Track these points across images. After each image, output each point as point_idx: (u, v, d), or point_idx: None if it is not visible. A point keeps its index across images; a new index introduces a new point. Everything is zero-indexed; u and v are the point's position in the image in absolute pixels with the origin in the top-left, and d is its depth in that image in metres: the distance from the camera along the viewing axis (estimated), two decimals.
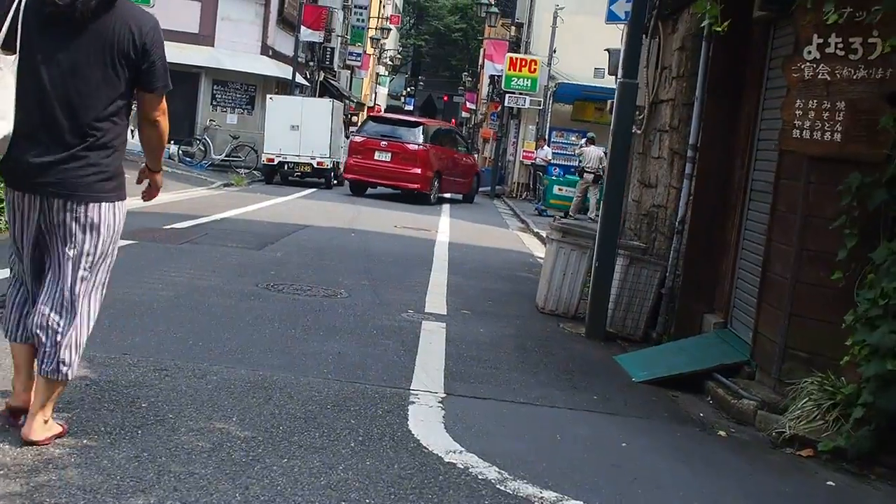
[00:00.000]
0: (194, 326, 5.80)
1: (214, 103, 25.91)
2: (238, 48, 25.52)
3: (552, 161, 25.73)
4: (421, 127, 21.88)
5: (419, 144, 20.97)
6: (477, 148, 45.29)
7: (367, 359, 5.52)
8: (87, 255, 3.50)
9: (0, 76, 3.37)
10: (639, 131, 9.39)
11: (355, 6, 38.21)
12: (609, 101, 27.32)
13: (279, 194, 19.00)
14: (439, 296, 8.25)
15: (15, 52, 3.39)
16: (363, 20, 39.00)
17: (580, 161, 20.83)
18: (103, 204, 3.50)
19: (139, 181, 3.88)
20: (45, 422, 3.49)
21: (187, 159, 23.96)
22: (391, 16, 52.76)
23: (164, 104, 3.63)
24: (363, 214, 16.38)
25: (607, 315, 7.32)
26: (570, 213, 21.10)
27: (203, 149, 24.55)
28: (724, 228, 6.95)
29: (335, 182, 23.66)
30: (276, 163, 22.27)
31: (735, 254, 6.76)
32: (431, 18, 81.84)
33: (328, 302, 7.26)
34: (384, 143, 20.72)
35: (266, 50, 26.65)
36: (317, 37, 27.68)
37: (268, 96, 22.97)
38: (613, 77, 11.60)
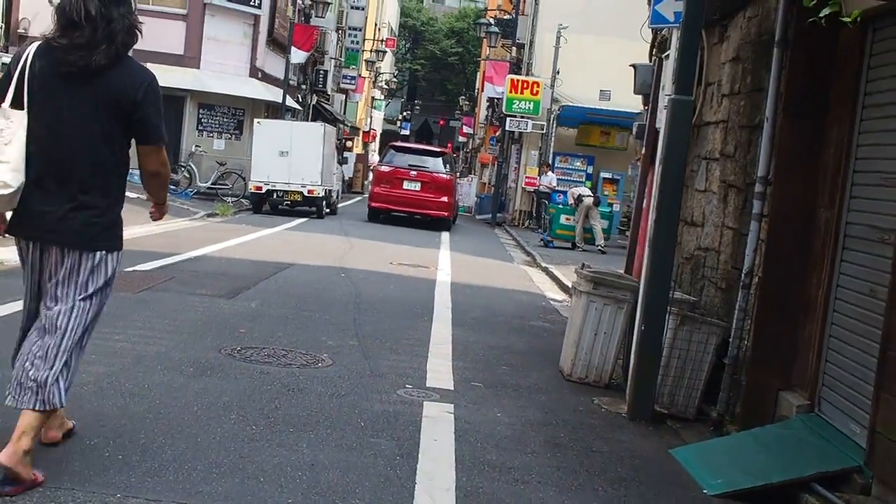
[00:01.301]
0: (118, 425, 4.32)
1: (200, 128, 24.50)
2: (225, 70, 24.15)
3: (556, 188, 24.33)
4: (445, 156, 23.43)
5: (447, 174, 22.35)
6: (474, 173, 43.96)
7: (350, 473, 4.03)
8: (80, 300, 3.63)
9: (12, 131, 3.53)
10: None
11: (349, 28, 36.97)
12: (621, 127, 26.24)
13: (266, 226, 17.55)
14: (444, 360, 6.77)
15: (23, 108, 3.56)
16: (357, 42, 37.75)
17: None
18: (97, 253, 3.64)
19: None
20: (26, 453, 3.46)
21: (171, 187, 22.34)
22: (386, 39, 51.57)
23: (163, 156, 3.79)
24: (355, 249, 14.92)
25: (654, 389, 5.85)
26: (577, 242, 19.79)
27: (188, 176, 23.12)
28: (805, 283, 5.50)
29: (327, 211, 22.22)
30: (264, 191, 20.83)
31: (823, 316, 5.30)
32: (427, 42, 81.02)
33: (305, 375, 5.77)
34: (414, 172, 21.67)
35: (255, 72, 25.29)
36: (302, 57, 26.31)
37: (255, 120, 21.56)
38: (641, 98, 10.19)
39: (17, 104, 3.57)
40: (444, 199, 21.67)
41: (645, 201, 9.66)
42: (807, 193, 5.53)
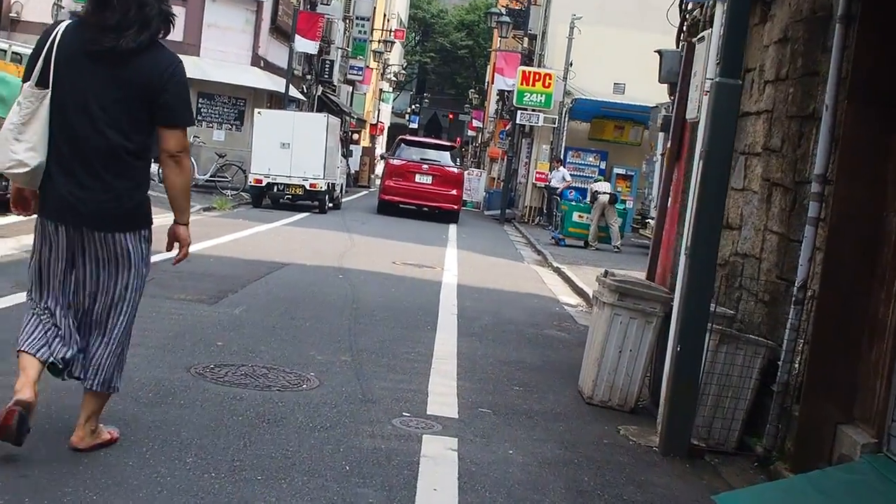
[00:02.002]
0: (37, 476, 3.52)
1: (199, 118, 23.69)
2: (226, 58, 23.37)
3: (571, 183, 23.50)
4: (453, 150, 24.33)
5: (457, 168, 23.35)
6: (483, 168, 43.14)
7: None
8: (119, 283, 3.72)
9: (34, 110, 3.56)
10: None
11: (357, 17, 36.11)
12: (634, 121, 25.38)
13: (265, 221, 16.76)
14: (448, 379, 5.97)
15: (47, 88, 3.56)
16: (365, 32, 36.89)
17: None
18: (129, 234, 3.70)
19: (168, 247, 3.95)
20: (93, 431, 3.75)
21: None
22: (395, 30, 50.71)
23: (184, 140, 3.76)
24: (357, 246, 14.13)
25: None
26: (590, 241, 18.98)
27: None
28: (871, 299, 4.68)
29: (331, 206, 21.44)
30: (264, 184, 20.03)
31: (893, 338, 4.49)
32: (437, 35, 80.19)
33: (286, 401, 4.98)
34: (426, 166, 22.26)
35: (257, 61, 24.50)
36: (312, 47, 25.50)
37: (255, 110, 20.76)
38: (666, 87, 9.36)
39: (42, 83, 3.56)
40: (454, 192, 22.41)
41: (670, 201, 8.85)
42: (874, 194, 4.70)
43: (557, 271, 14.46)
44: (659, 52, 9.08)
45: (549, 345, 7.93)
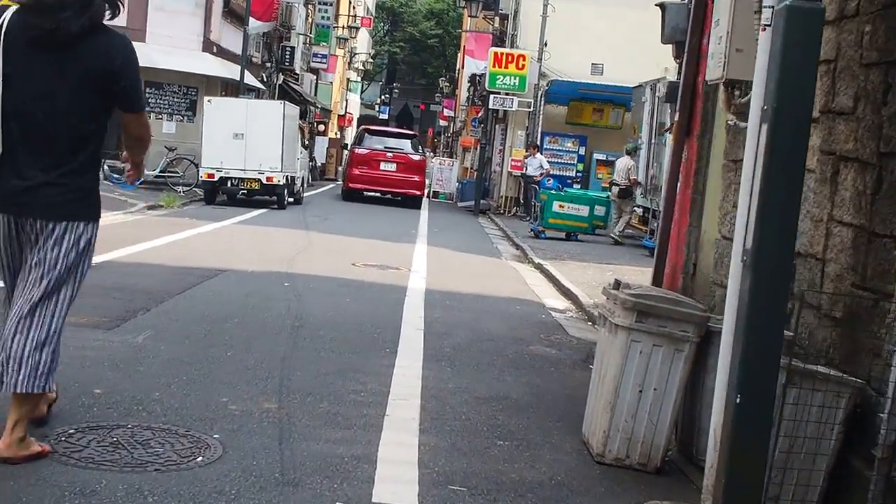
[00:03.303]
0: None
1: (147, 109, 21.67)
2: (175, 44, 21.54)
3: (550, 171, 22.00)
4: (416, 138, 25.49)
5: (419, 154, 24.14)
6: (456, 157, 41.53)
7: None
8: (57, 271, 3.56)
9: None
10: (739, 123, 5.59)
11: (320, 2, 34.32)
12: (622, 103, 23.82)
13: (214, 219, 15.08)
14: (406, 433, 4.39)
15: None
16: (328, 18, 35.11)
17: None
18: (76, 223, 3.59)
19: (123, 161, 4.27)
20: (22, 439, 3.49)
21: (115, 176, 19.85)
22: (362, 18, 48.89)
23: (145, 120, 3.87)
24: (314, 246, 12.50)
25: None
26: (614, 234, 17.57)
27: None
28: None
29: (290, 201, 19.76)
30: (216, 179, 18.31)
31: None
32: (406, 24, 78.55)
33: (159, 493, 3.37)
34: (389, 154, 22.97)
35: (209, 46, 22.70)
36: (267, 27, 23.73)
37: (206, 99, 19.01)
38: (670, 48, 7.79)
39: None
40: (417, 178, 23.31)
41: (679, 185, 7.32)
42: None
43: (539, 268, 12.92)
44: (661, 5, 7.52)
45: (538, 368, 6.37)
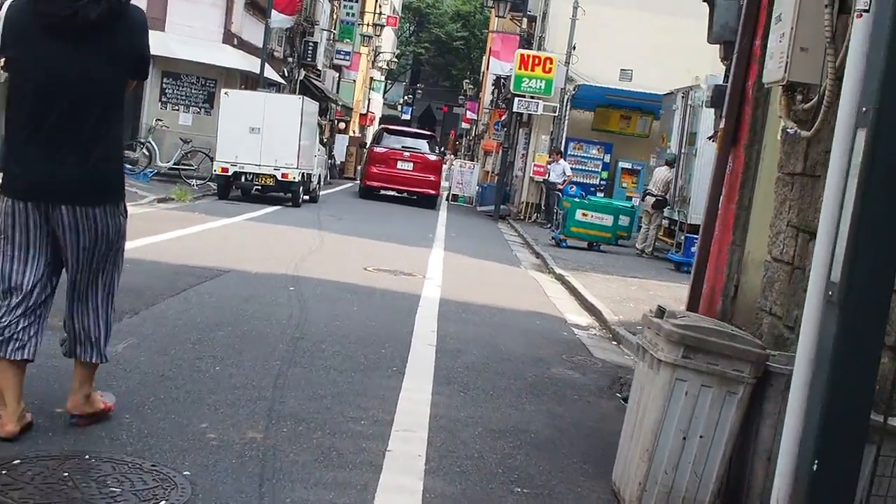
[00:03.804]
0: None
1: (164, 100, 21.45)
2: (195, 35, 21.10)
3: (573, 178, 21.36)
4: (433, 139, 25.63)
5: (436, 155, 24.50)
6: (477, 160, 40.93)
7: None
8: (100, 255, 3.65)
9: None
10: (799, 132, 4.96)
11: None
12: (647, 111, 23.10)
13: (226, 214, 14.56)
14: (409, 475, 3.79)
15: None
16: (353, 15, 34.60)
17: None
18: (107, 206, 3.61)
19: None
20: (87, 396, 3.78)
21: (128, 167, 19.45)
22: (388, 17, 48.41)
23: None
24: (325, 247, 11.93)
25: None
26: (637, 246, 16.97)
27: (147, 154, 20.13)
28: None
29: (306, 199, 19.23)
30: (230, 173, 17.81)
31: None
32: (432, 26, 78.12)
33: None
34: (407, 153, 23.36)
35: (230, 38, 22.23)
36: (289, 21, 23.22)
37: (222, 91, 18.50)
38: (718, 50, 7.13)
39: None
40: (433, 178, 23.60)
41: (722, 199, 6.69)
42: None
43: (560, 279, 12.29)
44: (709, 1, 6.88)
45: (560, 394, 5.75)
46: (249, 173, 17.80)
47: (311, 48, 28.82)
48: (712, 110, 15.66)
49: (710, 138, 7.55)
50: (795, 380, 3.02)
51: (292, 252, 10.79)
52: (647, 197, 17.14)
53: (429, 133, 27.88)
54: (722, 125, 6.57)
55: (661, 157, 19.38)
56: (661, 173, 16.84)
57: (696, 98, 16.32)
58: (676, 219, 16.39)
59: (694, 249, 14.82)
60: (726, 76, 6.82)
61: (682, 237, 15.21)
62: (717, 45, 6.99)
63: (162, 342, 5.48)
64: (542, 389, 5.81)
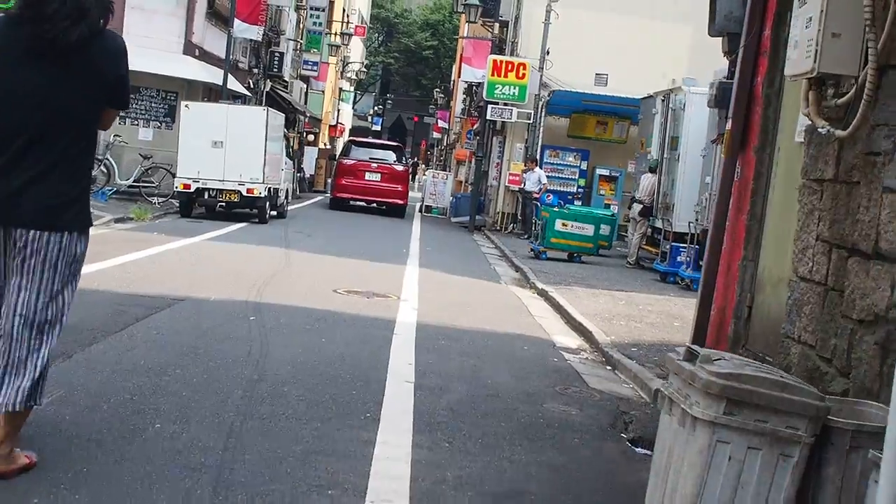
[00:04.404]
0: None
1: (122, 114, 20.50)
2: (154, 45, 20.17)
3: (549, 186, 20.71)
4: (399, 149, 26.08)
5: (403, 165, 24.98)
6: (450, 170, 40.25)
7: None
8: (51, 284, 3.46)
9: None
10: (833, 131, 4.27)
11: (311, 7, 33.01)
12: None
13: (186, 234, 13.73)
14: None
15: None
16: (320, 24, 33.80)
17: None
18: (68, 233, 3.49)
19: None
20: (10, 452, 3.46)
21: None
22: (356, 26, 47.64)
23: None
24: (292, 267, 11.15)
25: None
26: (629, 260, 16.34)
27: (106, 172, 19.20)
28: None
29: (273, 214, 18.41)
30: (192, 190, 16.97)
31: None
32: (401, 35, 77.62)
33: None
34: (374, 164, 23.86)
35: (191, 49, 21.37)
36: (254, 32, 22.40)
37: (183, 104, 17.64)
38: (721, 42, 6.45)
39: None
40: (400, 188, 24.10)
41: (730, 209, 6.02)
42: None
43: (544, 295, 11.58)
44: None
45: (559, 439, 5.01)
46: (213, 189, 16.97)
47: (277, 58, 27.99)
48: (696, 113, 15.21)
49: (713, 141, 6.88)
50: (889, 454, 2.30)
51: (256, 274, 9.99)
52: (635, 204, 16.49)
53: (395, 144, 28.24)
54: (728, 127, 5.89)
55: (640, 163, 18.80)
56: (647, 179, 16.20)
57: (676, 101, 15.71)
58: (660, 227, 15.75)
59: (680, 259, 14.36)
60: (730, 73, 6.15)
61: (668, 246, 14.55)
62: (715, 41, 6.33)
63: (95, 394, 4.68)
64: (538, 433, 5.07)
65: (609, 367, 7.50)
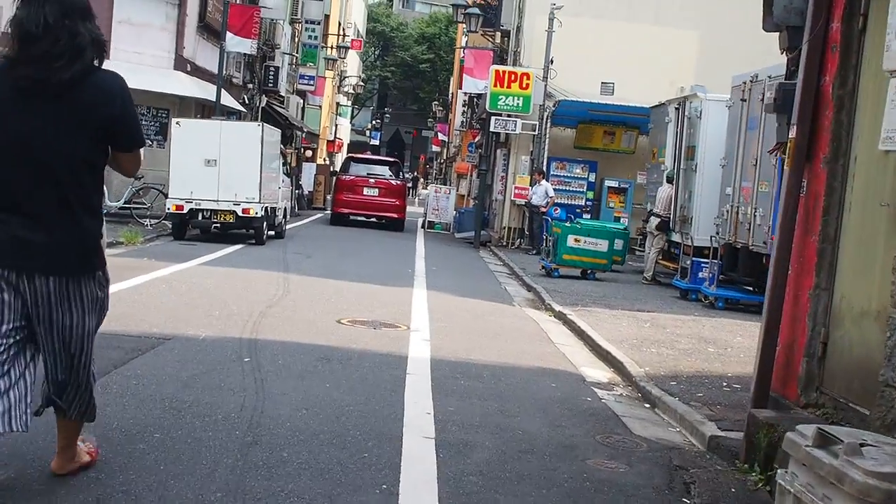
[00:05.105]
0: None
1: None
2: (143, 61, 19.47)
3: (556, 200, 19.93)
4: (395, 165, 26.54)
5: (399, 180, 25.54)
6: (451, 184, 39.47)
7: None
8: (79, 326, 3.52)
9: None
10: None
11: (306, 21, 32.28)
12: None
13: (179, 258, 12.93)
14: None
15: None
16: (316, 38, 33.08)
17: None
18: (84, 277, 3.50)
19: None
20: (73, 457, 3.77)
21: None
22: (352, 40, 46.96)
23: (140, 157, 3.67)
24: (292, 294, 10.33)
25: None
26: (646, 276, 15.62)
27: None
28: None
29: (271, 234, 17.61)
30: (185, 211, 16.18)
31: None
32: (397, 49, 77.13)
33: None
34: (372, 180, 24.58)
35: (182, 64, 20.61)
36: (247, 46, 21.64)
37: (174, 121, 16.85)
38: (778, 39, 5.65)
39: None
40: (398, 202, 24.62)
41: (797, 231, 5.21)
42: None
43: (562, 318, 10.78)
44: None
45: None
46: (207, 210, 16.18)
47: (272, 73, 27.26)
48: (713, 120, 14.42)
49: (771, 152, 6.07)
50: None
51: (252, 304, 9.18)
52: (652, 218, 15.66)
53: (392, 160, 28.89)
54: (792, 135, 5.08)
55: (651, 173, 18.02)
56: (664, 191, 15.37)
57: (692, 109, 14.92)
58: (678, 240, 14.95)
59: (702, 275, 13.51)
60: (790, 72, 5.35)
61: (689, 261, 13.74)
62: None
63: (50, 472, 3.85)
64: (587, 500, 4.24)
65: (648, 405, 6.69)
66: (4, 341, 3.41)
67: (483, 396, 6.18)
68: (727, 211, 13.00)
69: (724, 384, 7.19)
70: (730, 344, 9.34)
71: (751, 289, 12.71)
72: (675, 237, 15.14)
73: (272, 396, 5.51)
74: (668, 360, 8.09)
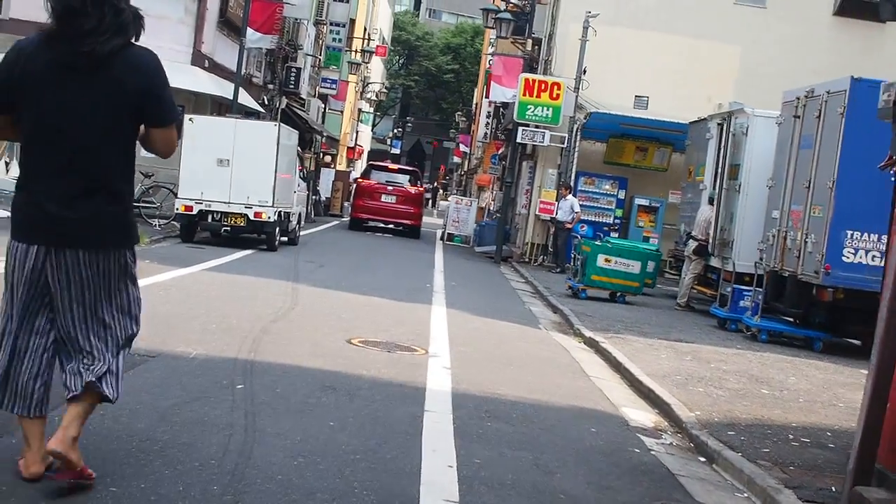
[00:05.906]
0: None
1: None
2: (160, 55, 18.56)
3: (581, 216, 18.99)
4: (414, 174, 27.59)
5: (417, 188, 26.30)
6: (472, 196, 38.55)
7: None
8: (112, 299, 3.55)
9: None
10: None
11: (331, 23, 31.51)
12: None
13: (183, 262, 12.08)
14: None
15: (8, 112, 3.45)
16: (340, 41, 32.30)
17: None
18: (116, 251, 3.52)
19: None
20: (75, 439, 3.44)
21: None
22: (377, 46, 46.26)
23: (172, 134, 3.64)
24: (299, 307, 9.42)
25: None
26: (679, 301, 14.61)
27: None
28: None
29: (283, 240, 16.74)
30: (195, 212, 15.33)
31: None
32: (422, 58, 76.58)
33: None
34: (391, 187, 25.33)
35: (200, 60, 19.83)
36: (267, 41, 20.83)
37: (187, 117, 16.02)
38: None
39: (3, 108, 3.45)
40: (414, 210, 25.48)
41: None
42: None
43: (594, 346, 9.83)
44: None
45: None
46: (217, 212, 15.32)
47: (293, 74, 26.46)
48: (760, 138, 13.43)
49: (882, 167, 5.09)
50: None
51: (254, 317, 8.27)
52: (690, 241, 14.66)
53: (412, 169, 29.64)
54: None
55: (686, 192, 17.07)
56: (705, 213, 14.36)
57: (737, 125, 13.94)
58: (717, 265, 13.94)
59: (744, 304, 12.49)
60: None
61: (729, 288, 12.75)
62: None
63: None
64: None
65: (703, 459, 5.74)
66: (33, 312, 3.44)
67: (514, 444, 5.23)
68: (773, 236, 12.03)
69: (791, 436, 6.22)
70: (784, 385, 8.36)
71: (792, 320, 11.76)
72: (714, 261, 14.15)
73: (264, 437, 4.57)
74: (721, 403, 7.12)
